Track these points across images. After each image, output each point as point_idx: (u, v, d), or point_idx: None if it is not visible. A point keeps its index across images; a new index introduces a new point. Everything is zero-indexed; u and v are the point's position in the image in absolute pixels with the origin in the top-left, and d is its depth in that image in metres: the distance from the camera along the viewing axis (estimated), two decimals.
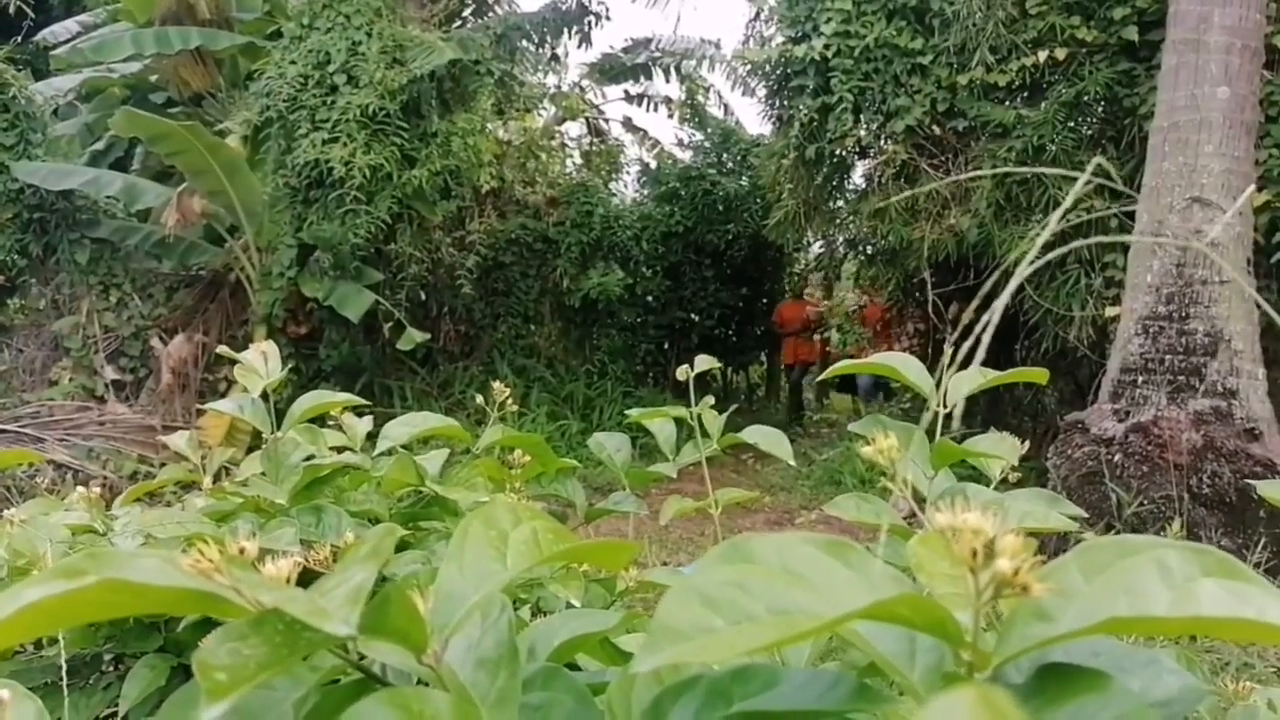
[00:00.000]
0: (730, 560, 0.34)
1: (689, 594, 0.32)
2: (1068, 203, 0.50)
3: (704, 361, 1.00)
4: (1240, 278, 1.31)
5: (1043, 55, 5.69)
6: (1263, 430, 4.05)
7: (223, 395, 7.25)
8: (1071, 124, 5.76)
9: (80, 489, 1.16)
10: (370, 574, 0.34)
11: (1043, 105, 5.84)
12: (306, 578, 0.44)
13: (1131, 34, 5.47)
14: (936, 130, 6.11)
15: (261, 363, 1.10)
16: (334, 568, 0.93)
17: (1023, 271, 0.52)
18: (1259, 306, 4.21)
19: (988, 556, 0.34)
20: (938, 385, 0.85)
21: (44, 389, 7.20)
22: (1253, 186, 2.15)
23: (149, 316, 7.61)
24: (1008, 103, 5.98)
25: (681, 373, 0.96)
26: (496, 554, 0.40)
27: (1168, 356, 4.28)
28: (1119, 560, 0.35)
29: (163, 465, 6.27)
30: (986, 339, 0.51)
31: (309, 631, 0.33)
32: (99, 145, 8.31)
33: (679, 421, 1.15)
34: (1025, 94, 6.01)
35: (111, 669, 1.08)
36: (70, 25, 9.61)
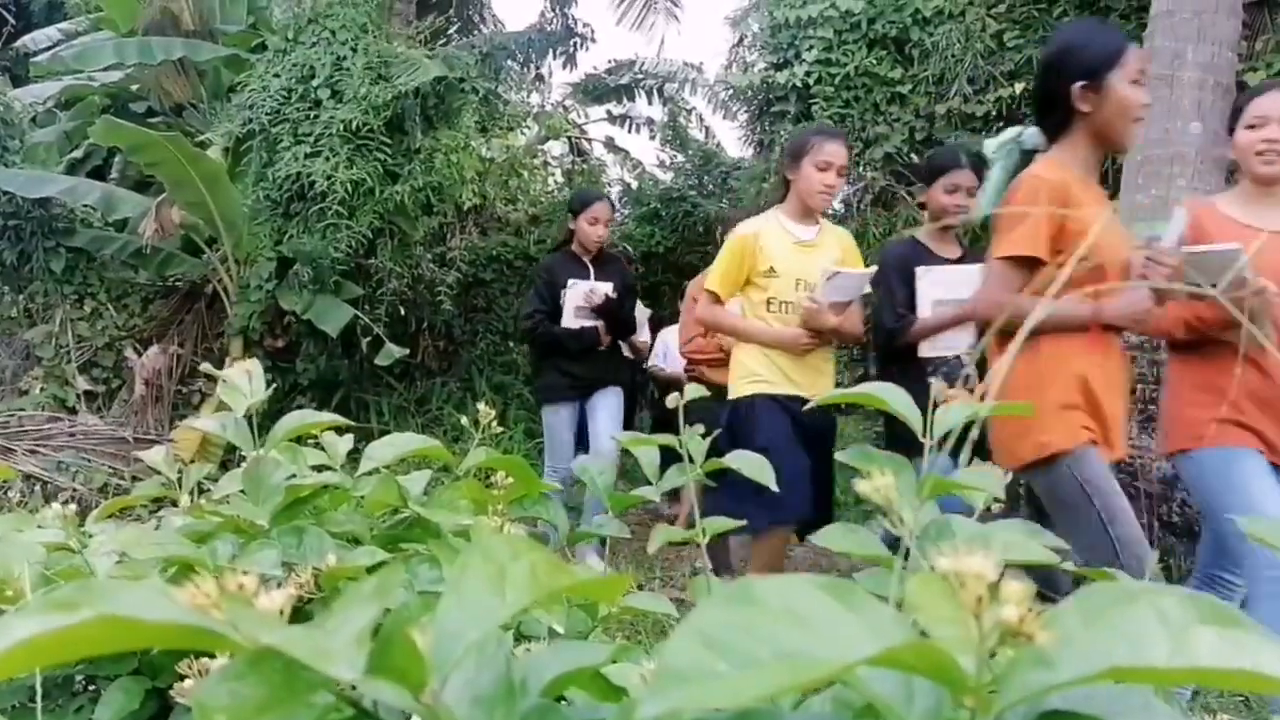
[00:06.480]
0: (733, 603, 0.34)
1: (693, 636, 0.32)
2: (1089, 241, 0.51)
3: (692, 390, 1.00)
4: (1237, 315, 1.30)
5: (1019, 87, 5.80)
6: None
7: (196, 408, 7.18)
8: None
9: (56, 505, 1.14)
10: (374, 614, 0.34)
11: None
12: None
13: None
14: (914, 158, 6.20)
15: (245, 381, 1.09)
16: (315, 591, 0.92)
17: (1045, 306, 0.53)
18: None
19: (990, 601, 0.34)
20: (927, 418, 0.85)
21: (14, 398, 7.10)
22: (1262, 237, 2.12)
23: (124, 327, 7.53)
24: (984, 132, 6.08)
25: (671, 400, 0.96)
26: (495, 589, 0.40)
27: (1139, 386, 4.33)
28: (1118, 607, 0.35)
29: (134, 478, 6.20)
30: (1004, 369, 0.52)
31: (309, 671, 0.32)
32: (77, 153, 8.23)
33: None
34: (1001, 124, 6.11)
35: (83, 691, 1.06)
36: (51, 33, 9.54)
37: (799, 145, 3.37)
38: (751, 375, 3.21)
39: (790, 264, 3.27)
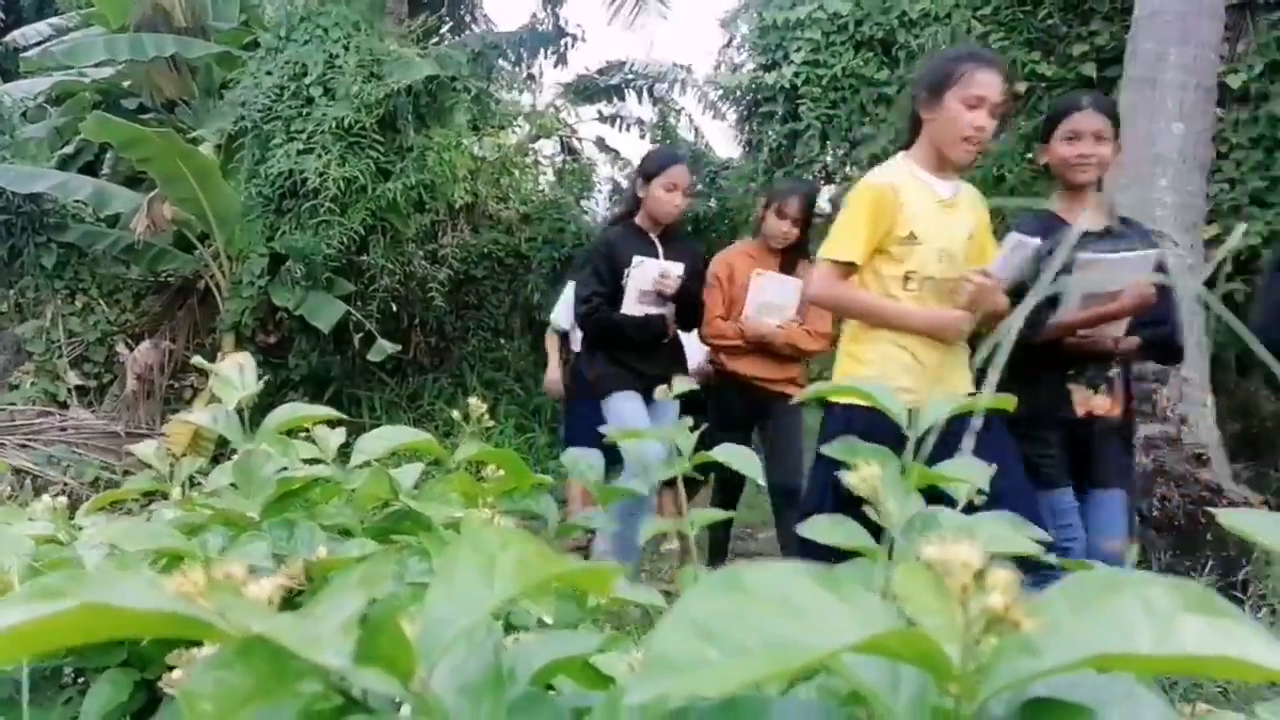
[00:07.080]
0: (724, 590, 0.34)
1: (684, 624, 0.32)
2: (1071, 239, 0.51)
3: (682, 382, 1.00)
4: (1223, 312, 1.26)
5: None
6: (1210, 456, 4.14)
7: (188, 403, 7.16)
8: (1030, 155, 5.90)
9: (46, 498, 1.14)
10: (361, 602, 0.34)
11: (1002, 137, 5.96)
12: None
13: (1089, 70, 5.63)
14: None
15: (237, 374, 1.09)
16: (306, 583, 0.92)
17: (1030, 301, 0.53)
18: (1234, 334, 4.30)
19: (976, 589, 0.34)
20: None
21: (5, 393, 7.07)
22: (1243, 226, 1.87)
23: (115, 322, 7.50)
24: None
25: (661, 393, 0.96)
26: (484, 577, 0.40)
27: None
28: (1104, 596, 0.35)
29: (125, 472, 6.17)
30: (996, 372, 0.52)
31: (297, 660, 0.32)
32: (68, 149, 8.20)
33: None
34: None
35: (72, 683, 1.05)
36: (42, 28, 9.49)
37: (942, 74, 2.47)
38: (877, 378, 2.37)
39: (932, 228, 2.47)
